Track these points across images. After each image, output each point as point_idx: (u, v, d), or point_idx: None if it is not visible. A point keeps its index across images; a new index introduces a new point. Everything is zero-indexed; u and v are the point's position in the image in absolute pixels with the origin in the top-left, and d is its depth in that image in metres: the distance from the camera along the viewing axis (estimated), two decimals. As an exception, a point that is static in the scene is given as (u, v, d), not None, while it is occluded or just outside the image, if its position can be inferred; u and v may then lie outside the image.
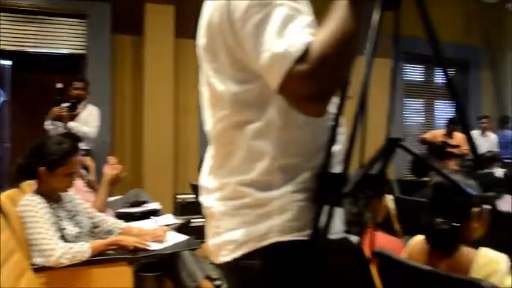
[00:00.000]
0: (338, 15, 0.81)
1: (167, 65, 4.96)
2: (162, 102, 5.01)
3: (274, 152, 0.91)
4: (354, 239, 1.58)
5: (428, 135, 5.36)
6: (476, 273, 1.34)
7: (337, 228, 0.99)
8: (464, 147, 5.45)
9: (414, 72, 7.02)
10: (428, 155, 4.89)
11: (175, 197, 4.76)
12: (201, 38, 0.99)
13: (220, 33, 0.91)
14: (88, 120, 4.28)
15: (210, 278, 2.35)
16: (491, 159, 4.36)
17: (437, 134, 5.59)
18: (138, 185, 4.61)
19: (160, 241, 2.10)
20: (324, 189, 0.89)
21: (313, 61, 0.77)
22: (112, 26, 4.98)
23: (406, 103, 6.90)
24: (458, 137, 5.53)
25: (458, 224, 1.39)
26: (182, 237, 2.18)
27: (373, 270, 1.57)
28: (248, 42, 0.84)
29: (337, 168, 0.95)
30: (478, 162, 0.91)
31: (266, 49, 0.81)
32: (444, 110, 7.26)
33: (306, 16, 0.83)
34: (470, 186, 1.24)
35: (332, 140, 0.91)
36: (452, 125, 5.65)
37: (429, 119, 7.16)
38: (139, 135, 5.04)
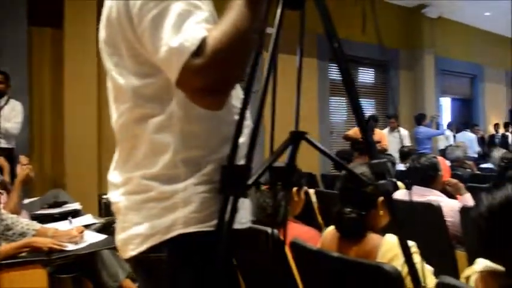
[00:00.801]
0: (235, 12, 0.84)
1: (89, 59, 4.77)
2: (84, 97, 4.81)
3: (177, 145, 0.92)
4: (274, 231, 1.63)
5: (351, 132, 5.61)
6: (381, 257, 1.43)
7: (244, 219, 1.02)
8: (384, 143, 5.79)
9: (337, 72, 7.29)
10: (352, 150, 5.11)
11: (100, 196, 4.60)
12: (102, 32, 0.98)
13: (119, 26, 0.91)
14: (10, 116, 4.00)
15: (132, 278, 2.31)
16: (407, 153, 4.65)
17: (358, 131, 5.87)
18: (61, 185, 4.40)
19: (77, 241, 2.04)
20: (228, 180, 0.92)
21: (208, 55, 0.80)
22: (29, 17, 4.71)
23: (331, 101, 7.16)
24: (378, 134, 5.86)
25: (365, 213, 1.49)
26: (101, 237, 2.13)
27: (290, 259, 1.64)
28: (146, 36, 0.85)
29: (242, 161, 0.98)
30: (372, 153, 0.97)
31: (163, 43, 0.82)
32: (367, 108, 7.63)
33: (204, 12, 0.85)
34: (368, 175, 1.33)
35: (238, 133, 0.94)
36: (372, 122, 5.96)
37: (353, 116, 7.47)
38: (61, 132, 4.81)
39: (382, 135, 6.06)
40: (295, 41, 1.20)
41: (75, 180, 4.62)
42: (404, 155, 4.72)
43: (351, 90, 1.03)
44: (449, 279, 1.14)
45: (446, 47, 8.74)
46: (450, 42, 8.92)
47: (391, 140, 6.46)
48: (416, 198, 2.50)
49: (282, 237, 1.62)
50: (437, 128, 7.91)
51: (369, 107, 7.73)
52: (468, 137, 7.99)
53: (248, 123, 1.02)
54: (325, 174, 5.25)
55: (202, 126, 0.94)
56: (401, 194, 2.71)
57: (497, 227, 1.10)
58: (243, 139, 0.98)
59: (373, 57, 7.55)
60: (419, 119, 7.21)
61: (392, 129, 6.68)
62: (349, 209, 1.48)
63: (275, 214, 1.74)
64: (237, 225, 0.96)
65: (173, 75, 0.82)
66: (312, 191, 3.17)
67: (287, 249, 1.62)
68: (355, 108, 1.04)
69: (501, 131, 9.56)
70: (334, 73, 7.20)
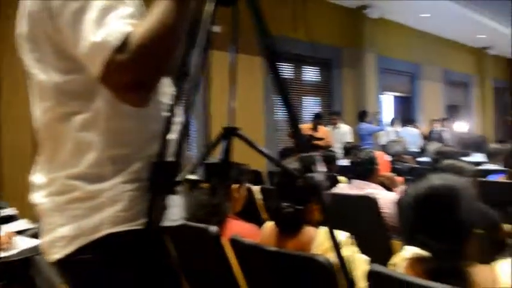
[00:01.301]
0: (160, 8, 0.83)
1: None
2: (20, 96, 4.59)
3: (103, 143, 0.90)
4: (213, 228, 1.63)
5: (296, 129, 5.71)
6: (316, 249, 1.47)
7: (176, 216, 1.01)
8: (328, 140, 5.94)
9: (283, 70, 7.39)
10: (296, 147, 5.20)
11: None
12: (22, 27, 0.94)
13: (40, 21, 0.88)
14: None
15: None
16: (350, 149, 4.80)
17: (304, 128, 6.01)
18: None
19: (6, 248, 1.94)
20: (157, 178, 0.91)
21: (132, 51, 0.78)
22: None
23: (277, 98, 7.23)
24: (323, 131, 6.00)
25: (302, 207, 1.52)
26: (34, 242, 2.04)
27: (231, 255, 1.64)
28: (67, 30, 0.83)
29: (172, 157, 0.97)
30: (300, 147, 0.99)
31: (85, 38, 0.80)
32: (311, 106, 7.80)
33: (128, 7, 0.84)
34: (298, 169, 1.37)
35: (167, 129, 0.93)
36: (317, 119, 6.11)
37: (297, 114, 7.61)
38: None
39: (326, 132, 6.22)
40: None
41: (11, 185, 4.39)
42: (348, 150, 4.87)
43: (281, 86, 1.05)
44: (378, 267, 1.19)
45: (387, 47, 9.08)
46: (391, 42, 9.27)
47: (334, 136, 6.66)
48: (356, 191, 2.58)
49: (221, 234, 1.62)
50: (379, 125, 8.22)
51: (314, 105, 7.89)
52: (411, 133, 8.34)
53: (178, 120, 1.01)
54: (272, 171, 5.30)
55: (129, 123, 0.93)
56: (342, 188, 2.81)
57: (421, 215, 1.16)
58: (173, 136, 0.97)
59: (317, 56, 7.72)
60: (362, 116, 7.46)
61: (334, 125, 6.88)
62: (286, 204, 1.51)
63: (214, 211, 1.74)
64: (168, 223, 0.95)
65: (95, 71, 0.80)
66: (257, 188, 3.19)
67: (227, 246, 1.63)
68: (286, 104, 1.06)
69: (438, 126, 10.05)
70: (280, 70, 7.28)
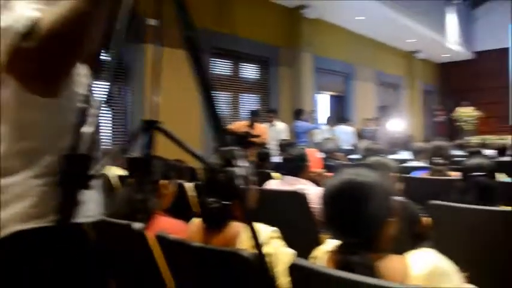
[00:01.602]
0: None
1: None
2: None
3: (11, 135, 0.85)
4: (137, 225, 1.59)
5: (232, 126, 5.72)
6: (242, 244, 1.48)
7: (91, 212, 0.98)
8: (264, 137, 6.00)
9: (221, 67, 7.37)
10: (234, 144, 5.21)
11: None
12: None
13: None
14: None
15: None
16: (285, 146, 4.88)
17: (240, 125, 6.04)
18: None
19: None
20: (69, 171, 0.87)
21: (39, 39, 0.74)
22: None
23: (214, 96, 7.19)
24: (259, 128, 6.06)
25: (228, 202, 1.52)
26: None
27: (158, 252, 1.61)
28: None
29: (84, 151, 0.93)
30: (220, 141, 0.99)
31: None
32: (248, 103, 7.85)
33: None
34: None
35: (81, 121, 0.89)
36: (254, 116, 6.15)
37: (235, 111, 7.63)
38: None
39: (263, 129, 6.28)
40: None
41: None
42: (283, 147, 4.95)
43: (203, 81, 1.04)
44: (300, 261, 1.22)
45: (323, 47, 9.33)
46: (327, 43, 9.53)
47: (270, 133, 6.75)
48: (287, 187, 2.63)
49: (147, 231, 1.59)
50: (314, 123, 8.44)
51: (252, 102, 7.95)
52: (345, 131, 8.63)
53: (94, 112, 0.97)
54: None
55: (38, 114, 0.88)
56: (273, 184, 2.85)
57: (333, 208, 1.19)
58: (87, 128, 0.93)
59: (256, 54, 7.78)
60: (298, 114, 7.61)
61: (271, 123, 6.97)
62: (212, 199, 1.50)
63: (140, 208, 1.70)
64: (82, 219, 0.91)
65: (0, 59, 0.75)
66: (190, 185, 3.16)
67: (154, 243, 1.60)
68: (207, 100, 1.05)
69: (371, 125, 10.49)
70: (217, 68, 7.26)
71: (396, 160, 5.16)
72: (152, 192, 1.67)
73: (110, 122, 5.41)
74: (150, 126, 1.05)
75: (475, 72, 15.03)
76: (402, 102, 13.18)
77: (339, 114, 10.32)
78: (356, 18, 9.43)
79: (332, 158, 4.98)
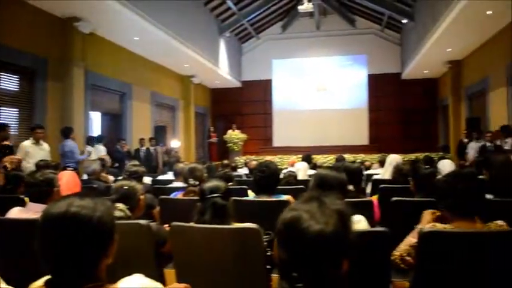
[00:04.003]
0: None
1: None
2: None
3: None
4: None
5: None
6: None
7: None
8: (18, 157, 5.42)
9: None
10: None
11: None
12: None
13: None
14: None
15: None
16: (43, 167, 4.52)
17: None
18: None
19: None
20: None
21: None
22: None
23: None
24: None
25: None
26: None
27: None
28: None
29: None
30: None
31: None
32: (9, 117, 7.00)
33: None
34: None
35: None
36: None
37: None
38: None
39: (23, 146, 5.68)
40: None
41: None
42: (40, 169, 4.56)
43: None
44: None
45: (98, 63, 9.04)
46: (103, 59, 9.27)
47: (37, 151, 6.15)
48: (32, 215, 2.42)
49: None
50: (84, 142, 8.05)
51: (12, 116, 7.10)
52: (101, 151, 8.41)
53: None
54: None
55: None
56: (16, 212, 2.56)
57: (49, 241, 1.15)
58: None
59: (19, 64, 7.02)
60: (67, 133, 7.12)
61: (37, 141, 6.33)
62: None
63: None
64: None
65: None
66: None
67: None
68: None
69: (146, 145, 10.59)
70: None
71: (162, 181, 5.36)
72: None
73: None
74: None
75: (243, 99, 16.85)
76: (178, 123, 13.74)
77: (114, 133, 10.12)
78: (133, 38, 9.46)
79: (98, 180, 4.84)
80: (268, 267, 2.10)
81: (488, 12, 8.11)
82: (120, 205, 2.38)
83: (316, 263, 1.01)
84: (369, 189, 4.78)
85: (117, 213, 2.31)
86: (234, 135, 14.59)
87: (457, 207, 1.93)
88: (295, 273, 1.02)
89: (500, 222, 1.95)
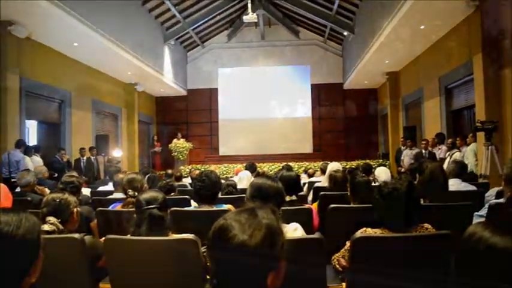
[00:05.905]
0: None
1: None
2: None
3: None
4: None
5: None
6: None
7: None
8: None
9: None
10: None
11: None
12: None
13: None
14: None
15: None
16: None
17: None
18: None
19: None
20: None
21: None
22: None
23: None
24: None
25: None
26: None
27: None
28: None
29: None
30: None
31: None
32: None
33: None
34: None
35: None
36: None
37: None
38: None
39: None
40: None
41: None
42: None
43: None
44: None
45: (35, 70, 8.65)
46: (40, 66, 8.88)
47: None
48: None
49: None
50: (26, 151, 7.66)
51: None
52: (38, 161, 8.05)
53: None
54: None
55: None
56: None
57: None
58: None
59: None
60: (20, 144, 6.73)
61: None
62: None
63: None
64: None
65: None
66: None
67: None
68: None
69: (87, 155, 10.22)
70: None
71: (101, 192, 5.19)
72: None
73: None
74: None
75: (189, 108, 16.71)
76: (121, 132, 13.38)
77: (52, 143, 9.70)
78: (73, 43, 9.14)
79: (32, 192, 4.61)
80: (207, 277, 2.09)
81: (421, 27, 8.61)
82: (51, 218, 2.29)
83: (237, 273, 1.02)
84: (310, 197, 4.89)
85: (48, 228, 2.22)
86: (179, 144, 14.43)
87: (383, 220, 2.05)
88: (216, 281, 1.04)
89: (426, 225, 2.08)
